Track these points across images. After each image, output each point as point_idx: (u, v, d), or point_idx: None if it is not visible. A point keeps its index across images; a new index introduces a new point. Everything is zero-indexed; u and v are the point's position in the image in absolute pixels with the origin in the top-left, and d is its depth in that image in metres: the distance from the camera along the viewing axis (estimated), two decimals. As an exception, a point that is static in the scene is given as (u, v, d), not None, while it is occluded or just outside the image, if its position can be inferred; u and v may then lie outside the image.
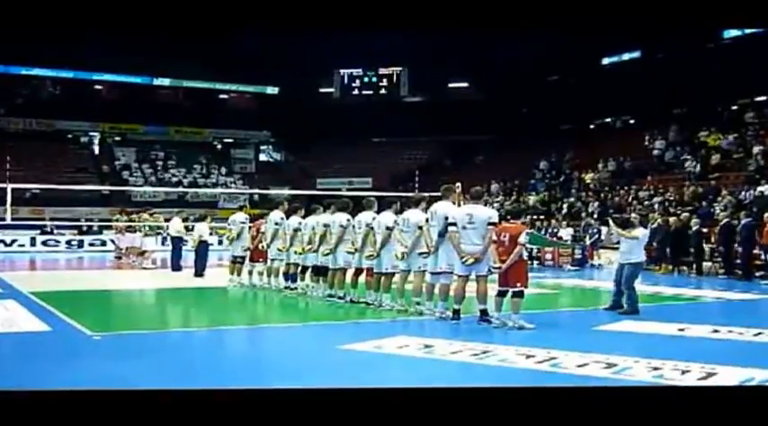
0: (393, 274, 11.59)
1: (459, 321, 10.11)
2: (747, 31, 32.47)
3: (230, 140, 51.17)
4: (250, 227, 16.07)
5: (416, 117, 46.58)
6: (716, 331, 9.72)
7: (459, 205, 11.05)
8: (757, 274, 18.67)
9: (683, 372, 6.96)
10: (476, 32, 33.45)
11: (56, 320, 10.47)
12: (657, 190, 28.57)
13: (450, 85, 49.14)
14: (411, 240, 11.05)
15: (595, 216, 26.87)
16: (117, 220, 27.20)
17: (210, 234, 20.12)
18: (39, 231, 33.07)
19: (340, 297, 12.51)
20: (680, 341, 9.38)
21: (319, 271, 13.13)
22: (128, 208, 30.41)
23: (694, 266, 20.22)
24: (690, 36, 33.63)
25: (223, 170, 47.86)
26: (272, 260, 14.63)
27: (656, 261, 20.86)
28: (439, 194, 11.34)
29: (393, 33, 36.62)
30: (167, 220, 23.91)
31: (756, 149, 28.03)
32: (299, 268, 13.86)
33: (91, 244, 32.92)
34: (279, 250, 14.22)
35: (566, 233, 24.84)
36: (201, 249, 18.32)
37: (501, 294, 9.95)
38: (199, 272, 17.96)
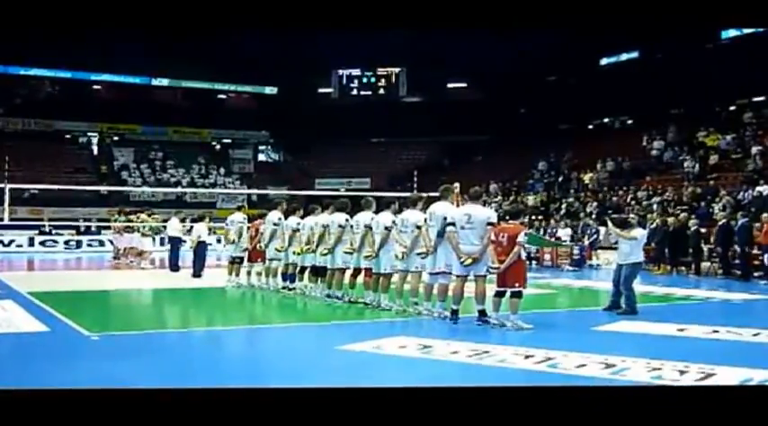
0: (391, 274, 11.58)
1: (457, 321, 10.09)
2: (746, 31, 32.50)
3: (229, 140, 51.17)
4: (248, 228, 16.05)
5: (415, 117, 46.64)
6: (715, 331, 9.71)
7: (457, 205, 11.05)
8: (756, 274, 18.67)
9: (682, 372, 6.95)
10: (474, 33, 33.53)
11: (54, 320, 10.45)
12: (656, 191, 28.58)
13: (449, 86, 49.17)
14: (410, 240, 11.05)
15: (594, 216, 26.86)
16: (115, 220, 27.17)
17: (209, 234, 20.10)
18: (37, 231, 33.07)
19: (338, 298, 12.49)
20: (678, 341, 9.37)
21: (318, 272, 13.11)
22: (126, 208, 30.39)
23: (693, 266, 20.22)
24: (688, 36, 33.64)
25: (222, 170, 47.86)
26: (271, 260, 14.61)
27: (655, 262, 20.88)
28: (437, 194, 11.33)
29: (392, 34, 36.70)
30: (164, 221, 23.93)
31: (755, 149, 28.06)
32: (298, 268, 13.85)
33: (89, 245, 32.92)
34: (277, 250, 14.20)
35: (564, 233, 24.83)
36: (200, 249, 18.30)
37: (499, 294, 9.94)
38: (197, 273, 17.95)
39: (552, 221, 27.43)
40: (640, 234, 12.11)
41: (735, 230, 19.22)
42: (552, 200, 33.68)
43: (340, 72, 50.01)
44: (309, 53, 43.02)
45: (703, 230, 20.74)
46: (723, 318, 11.70)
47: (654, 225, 21.03)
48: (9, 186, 24.66)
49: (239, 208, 18.39)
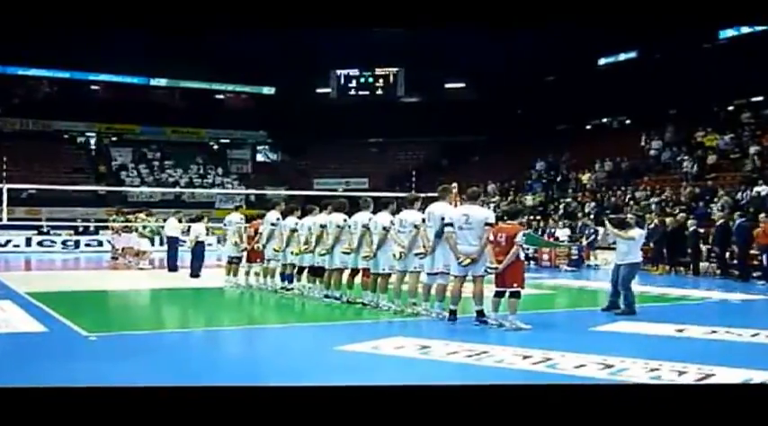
0: (390, 275, 11.57)
1: (455, 322, 10.09)
2: (744, 31, 32.51)
3: (227, 141, 51.16)
4: (247, 228, 16.04)
5: (413, 117, 46.62)
6: (713, 331, 9.71)
7: (455, 205, 11.04)
8: (754, 275, 18.67)
9: (681, 373, 6.94)
10: (472, 33, 33.53)
11: (52, 320, 10.44)
12: (654, 191, 28.60)
13: (447, 86, 49.15)
14: (408, 240, 11.05)
15: (592, 216, 26.86)
16: (113, 221, 27.17)
17: (207, 234, 20.11)
18: (36, 232, 33.05)
19: (336, 298, 12.49)
20: (677, 341, 9.37)
21: (316, 272, 13.12)
22: (124, 208, 30.38)
23: (691, 267, 20.24)
24: (686, 36, 33.66)
25: (220, 170, 47.85)
26: (269, 260, 14.61)
27: (653, 262, 20.89)
28: (435, 195, 11.33)
29: (390, 33, 36.71)
30: (162, 220, 23.91)
31: (753, 149, 28.10)
32: (296, 268, 13.85)
33: (87, 245, 32.89)
34: (275, 250, 14.20)
35: (562, 233, 24.85)
36: (198, 249, 18.29)
37: (498, 294, 9.94)
38: (194, 273, 17.93)
39: (550, 221, 27.45)
40: (638, 234, 12.10)
41: (733, 230, 19.23)
42: (550, 201, 33.69)
43: (338, 72, 49.99)
44: (307, 53, 43.01)
45: (702, 230, 20.75)
46: (722, 319, 11.70)
47: (652, 225, 21.03)
48: (7, 186, 24.58)
49: (236, 209, 18.39)
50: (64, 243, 32.86)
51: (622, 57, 40.73)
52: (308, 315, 12.27)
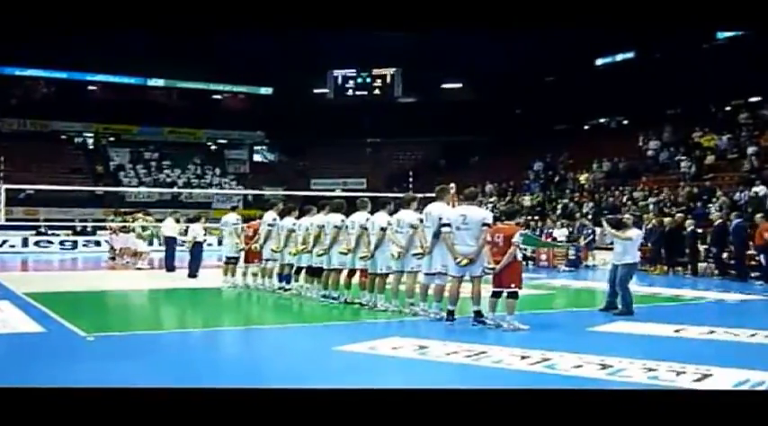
0: (387, 275, 11.57)
1: (453, 322, 10.08)
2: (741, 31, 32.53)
3: (224, 141, 51.16)
4: (244, 228, 16.04)
5: (410, 118, 46.68)
6: (711, 332, 9.71)
7: (453, 206, 11.03)
8: (752, 275, 18.68)
9: (678, 373, 6.94)
10: (469, 33, 33.53)
11: (50, 321, 10.41)
12: (652, 191, 28.62)
13: (444, 86, 49.22)
14: (405, 240, 11.05)
15: (590, 216, 26.87)
16: (111, 221, 27.14)
17: (205, 234, 20.09)
18: (33, 232, 33.01)
19: (334, 298, 12.47)
20: (675, 342, 9.36)
21: (314, 272, 13.10)
22: (122, 208, 30.36)
23: (689, 267, 20.23)
24: (684, 37, 33.68)
25: (217, 170, 47.86)
26: (266, 260, 14.60)
27: (651, 262, 20.89)
28: (433, 195, 11.32)
29: (387, 34, 36.69)
30: (159, 221, 23.90)
31: (750, 150, 28.13)
32: (294, 269, 13.84)
33: (85, 245, 32.86)
34: (273, 251, 14.19)
35: (560, 233, 24.83)
36: (195, 250, 18.27)
37: (495, 295, 9.93)
38: (192, 273, 17.91)
39: (548, 221, 27.43)
40: (635, 234, 12.10)
41: (730, 231, 19.23)
42: (548, 201, 33.70)
43: (335, 72, 50.04)
44: (305, 53, 43.06)
45: (700, 231, 20.75)
46: (719, 319, 11.71)
47: (650, 225, 21.04)
48: (5, 186, 24.55)
49: (233, 209, 18.37)
50: (62, 243, 32.83)
51: (620, 57, 40.84)
52: (305, 316, 12.25)
